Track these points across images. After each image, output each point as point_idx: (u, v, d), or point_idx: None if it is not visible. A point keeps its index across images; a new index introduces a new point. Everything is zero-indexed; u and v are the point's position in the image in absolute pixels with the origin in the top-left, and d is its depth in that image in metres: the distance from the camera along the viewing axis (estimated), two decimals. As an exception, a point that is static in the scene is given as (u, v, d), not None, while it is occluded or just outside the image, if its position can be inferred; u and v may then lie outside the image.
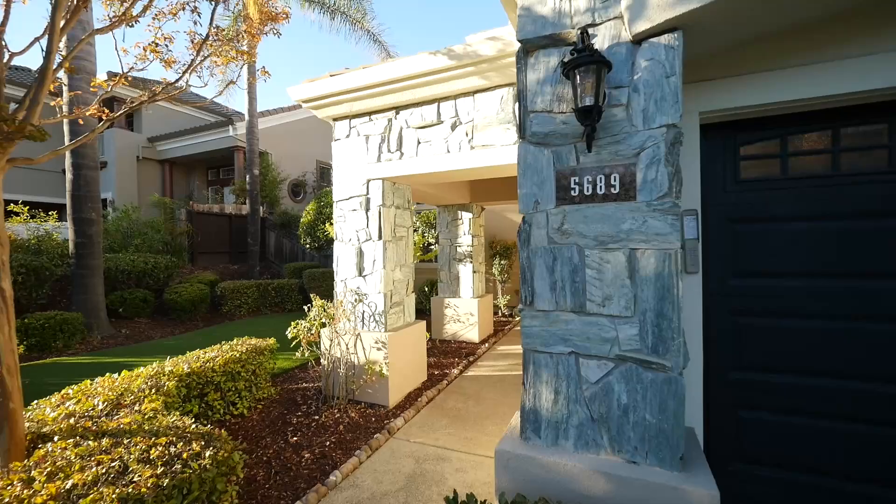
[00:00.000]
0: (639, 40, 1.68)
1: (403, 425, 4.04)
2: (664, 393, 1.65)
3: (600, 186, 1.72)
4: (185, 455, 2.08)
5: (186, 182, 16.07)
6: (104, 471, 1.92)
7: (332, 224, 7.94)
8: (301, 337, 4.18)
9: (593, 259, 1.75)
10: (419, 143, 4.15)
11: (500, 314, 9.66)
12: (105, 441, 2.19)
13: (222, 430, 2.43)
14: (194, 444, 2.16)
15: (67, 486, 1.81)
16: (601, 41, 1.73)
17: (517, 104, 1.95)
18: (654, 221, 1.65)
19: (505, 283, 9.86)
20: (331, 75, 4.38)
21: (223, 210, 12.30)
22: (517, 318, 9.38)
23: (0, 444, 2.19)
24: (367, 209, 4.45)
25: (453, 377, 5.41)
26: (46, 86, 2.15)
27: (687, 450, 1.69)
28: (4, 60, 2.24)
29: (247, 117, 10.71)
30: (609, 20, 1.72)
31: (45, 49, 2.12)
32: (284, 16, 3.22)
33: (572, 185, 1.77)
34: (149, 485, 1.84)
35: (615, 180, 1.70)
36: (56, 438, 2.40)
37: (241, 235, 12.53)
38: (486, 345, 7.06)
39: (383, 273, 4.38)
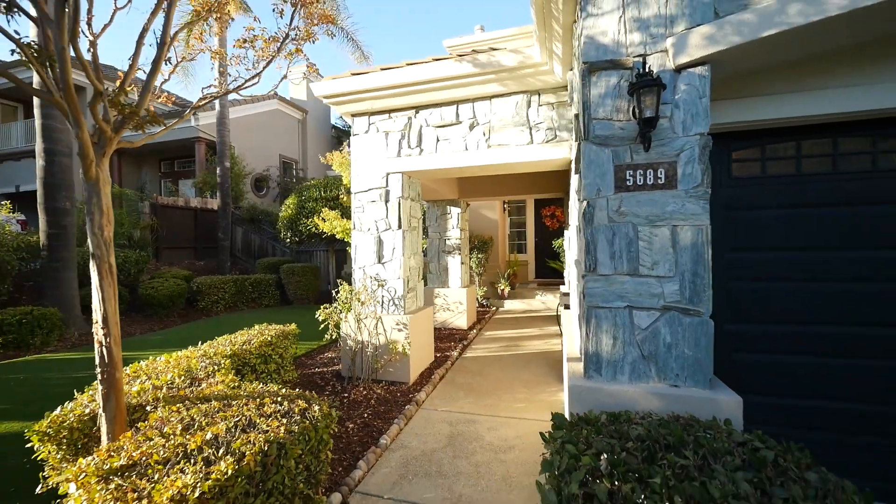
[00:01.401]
0: (679, 69, 2.25)
1: (426, 398, 4.43)
2: (698, 332, 2.23)
3: (650, 178, 2.27)
4: (296, 410, 2.35)
5: (137, 173, 15.01)
6: (232, 424, 2.16)
7: (320, 217, 8.04)
8: (331, 320, 4.41)
9: (644, 233, 2.30)
10: (438, 140, 4.55)
11: (477, 304, 10.22)
12: (214, 403, 2.40)
13: (312, 392, 2.70)
14: (299, 402, 2.44)
15: (208, 437, 2.03)
16: (650, 68, 2.27)
17: (582, 110, 2.45)
18: (690, 205, 2.23)
19: (482, 276, 10.44)
20: (353, 74, 4.65)
21: (188, 203, 11.75)
22: (493, 308, 10.00)
23: (108, 412, 2.32)
24: (387, 201, 4.76)
25: (455, 358, 5.86)
26: (157, 73, 2.31)
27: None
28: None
29: (217, 107, 10.37)
30: (657, 52, 2.28)
31: (159, 40, 2.28)
32: (332, 19, 3.47)
33: (628, 177, 2.31)
34: (282, 431, 2.11)
35: (661, 173, 2.26)
36: (148, 408, 2.56)
37: (208, 230, 12.04)
38: (475, 331, 7.57)
39: (402, 260, 4.73)
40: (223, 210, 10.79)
